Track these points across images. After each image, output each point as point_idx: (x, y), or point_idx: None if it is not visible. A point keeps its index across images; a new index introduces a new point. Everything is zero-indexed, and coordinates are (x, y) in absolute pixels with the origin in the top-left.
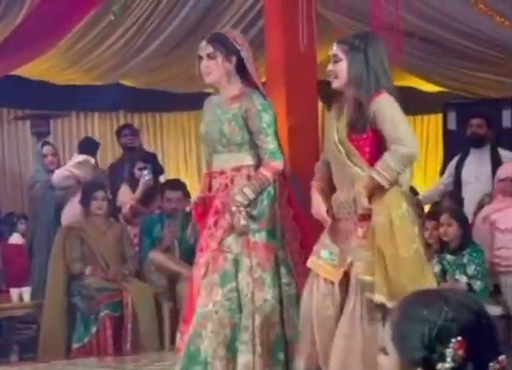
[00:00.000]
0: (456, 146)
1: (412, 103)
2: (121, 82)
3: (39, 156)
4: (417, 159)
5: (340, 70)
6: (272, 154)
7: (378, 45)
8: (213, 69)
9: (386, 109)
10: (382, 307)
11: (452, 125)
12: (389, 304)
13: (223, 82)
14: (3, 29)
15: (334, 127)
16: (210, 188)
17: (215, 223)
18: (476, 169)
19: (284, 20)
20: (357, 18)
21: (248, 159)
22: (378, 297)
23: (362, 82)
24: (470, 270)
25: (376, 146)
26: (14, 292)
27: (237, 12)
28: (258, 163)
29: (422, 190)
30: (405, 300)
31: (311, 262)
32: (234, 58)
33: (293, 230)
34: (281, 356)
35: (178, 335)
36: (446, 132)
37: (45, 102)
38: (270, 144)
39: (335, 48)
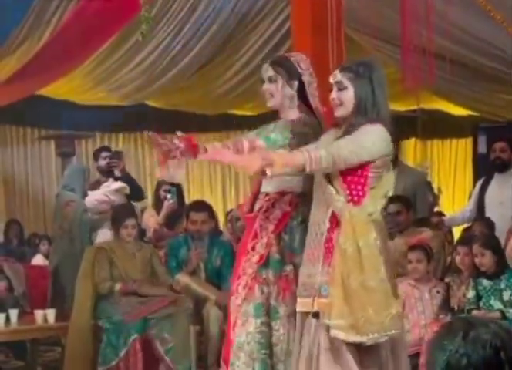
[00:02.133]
0: (486, 169)
1: (442, 127)
2: (146, 103)
3: (82, 176)
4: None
5: (346, 98)
6: None
7: (381, 72)
8: (274, 93)
9: (367, 131)
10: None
11: (482, 148)
12: (347, 338)
13: (284, 107)
14: (27, 50)
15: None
16: (252, 209)
17: (253, 248)
18: (499, 193)
19: (313, 41)
20: (386, 40)
21: (294, 185)
22: (339, 334)
23: (367, 111)
24: (507, 295)
25: (358, 175)
26: (38, 314)
27: (262, 35)
28: (303, 192)
29: (450, 213)
30: (441, 327)
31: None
32: (295, 83)
33: None
34: None
35: None
36: (476, 155)
37: (70, 123)
38: None
39: (340, 76)
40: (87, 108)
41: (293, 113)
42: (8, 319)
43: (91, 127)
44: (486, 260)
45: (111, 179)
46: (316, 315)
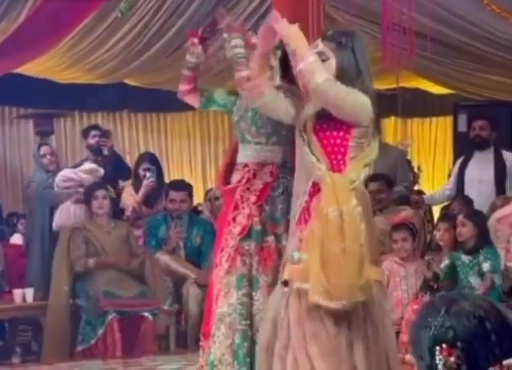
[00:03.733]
0: (466, 148)
1: (422, 106)
2: (125, 82)
3: (37, 156)
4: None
5: (328, 68)
6: None
7: (363, 43)
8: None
9: (357, 95)
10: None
11: (462, 127)
12: (325, 304)
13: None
14: (4, 28)
15: (303, 113)
16: (225, 180)
17: (234, 220)
18: (479, 171)
19: (293, 19)
20: (367, 19)
21: (274, 156)
22: (315, 299)
23: (350, 81)
24: (486, 267)
25: (339, 144)
26: (17, 293)
27: (242, 12)
28: (284, 162)
29: (430, 192)
30: (422, 306)
31: None
32: (278, 52)
33: None
34: None
35: (200, 352)
36: (457, 134)
37: (48, 101)
38: None
39: (321, 46)
40: (65, 86)
41: (273, 82)
42: None
43: (69, 106)
44: (465, 230)
45: (88, 161)
46: (286, 283)
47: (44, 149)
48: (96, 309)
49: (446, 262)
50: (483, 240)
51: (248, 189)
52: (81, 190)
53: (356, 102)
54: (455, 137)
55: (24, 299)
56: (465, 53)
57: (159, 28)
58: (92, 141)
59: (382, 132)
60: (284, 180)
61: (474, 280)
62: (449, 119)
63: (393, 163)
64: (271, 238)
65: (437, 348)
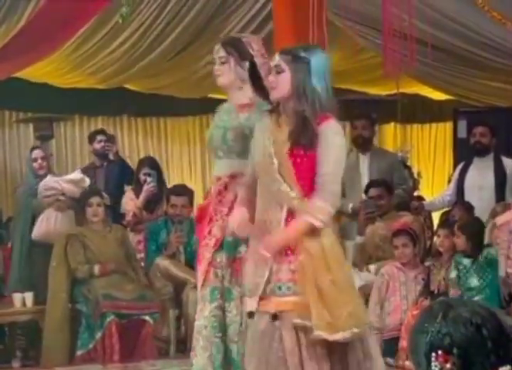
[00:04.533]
0: (466, 154)
1: (422, 111)
2: (125, 86)
3: (28, 160)
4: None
5: (281, 81)
6: None
7: (323, 60)
8: (224, 73)
9: (332, 137)
10: (324, 341)
11: (462, 133)
12: (331, 337)
13: (233, 88)
14: (5, 32)
15: (269, 139)
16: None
17: (209, 232)
18: (479, 177)
19: (294, 25)
20: (368, 25)
21: (245, 168)
22: (320, 334)
23: (304, 95)
24: (474, 282)
25: (312, 168)
26: (16, 297)
27: (244, 17)
28: None
29: (430, 198)
30: (421, 311)
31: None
32: (246, 64)
33: None
34: None
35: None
36: (457, 140)
37: (48, 105)
38: None
39: (278, 59)
40: (66, 91)
41: (242, 96)
42: None
43: (70, 110)
44: (459, 241)
45: (78, 170)
46: (274, 317)
47: (35, 153)
48: (95, 313)
49: (455, 272)
50: (479, 249)
51: (221, 201)
52: (62, 198)
53: (340, 160)
54: (455, 143)
55: (24, 303)
56: (465, 59)
57: (159, 33)
58: (97, 146)
59: (380, 138)
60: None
61: (473, 281)
62: (449, 125)
63: (389, 168)
64: (243, 249)
65: (433, 354)
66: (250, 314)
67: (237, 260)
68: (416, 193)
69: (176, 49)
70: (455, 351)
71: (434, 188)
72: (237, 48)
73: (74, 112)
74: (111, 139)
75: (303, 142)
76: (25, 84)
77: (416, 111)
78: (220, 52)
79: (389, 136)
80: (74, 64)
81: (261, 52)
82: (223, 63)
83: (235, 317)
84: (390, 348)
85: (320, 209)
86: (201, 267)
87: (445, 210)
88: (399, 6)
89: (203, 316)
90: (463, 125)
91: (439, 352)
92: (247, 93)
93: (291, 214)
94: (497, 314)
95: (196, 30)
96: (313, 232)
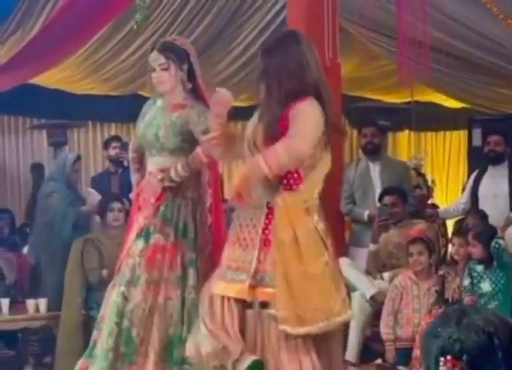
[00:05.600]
0: (480, 162)
1: (436, 119)
2: (139, 93)
3: (66, 168)
4: (304, 158)
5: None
6: None
7: (289, 45)
8: (166, 79)
9: (305, 110)
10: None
11: (477, 141)
12: (295, 331)
13: (174, 90)
14: (19, 39)
15: (253, 128)
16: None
17: (137, 219)
18: (493, 185)
19: (308, 32)
20: (382, 33)
21: (173, 163)
22: (284, 328)
23: (278, 79)
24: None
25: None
26: (30, 303)
27: (257, 25)
28: None
29: (444, 206)
30: (435, 316)
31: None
32: (185, 67)
33: (206, 237)
34: (177, 354)
35: None
36: (471, 148)
37: (62, 112)
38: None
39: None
40: (79, 97)
41: (177, 96)
42: None
43: (83, 116)
44: (476, 250)
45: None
46: (263, 305)
47: (78, 163)
48: None
49: (468, 280)
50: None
51: (149, 192)
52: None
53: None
54: (469, 151)
55: (37, 309)
56: (480, 67)
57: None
58: (112, 152)
59: (394, 146)
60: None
61: (485, 286)
62: (463, 133)
63: (399, 177)
64: (157, 236)
65: (442, 358)
66: (263, 305)
67: (150, 247)
68: (429, 201)
69: None
70: (464, 357)
71: (448, 196)
72: (175, 53)
73: (87, 118)
74: (125, 146)
75: (272, 133)
76: (38, 90)
77: (430, 119)
78: (159, 59)
79: (403, 143)
80: (88, 71)
81: (194, 53)
82: (165, 70)
83: (139, 302)
84: (404, 357)
85: (271, 154)
86: (121, 255)
87: (459, 218)
88: (414, 14)
89: (109, 301)
90: (477, 133)
91: (449, 357)
92: (181, 94)
93: (270, 206)
94: (511, 323)
95: (209, 38)
96: (288, 218)
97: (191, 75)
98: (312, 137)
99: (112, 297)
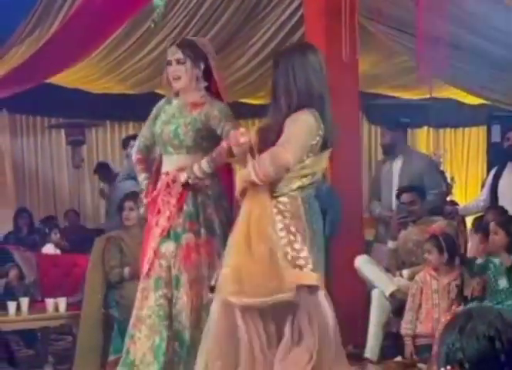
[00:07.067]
0: (500, 158)
1: (455, 116)
2: (156, 92)
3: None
4: (289, 167)
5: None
6: None
7: (294, 59)
8: (183, 75)
9: (297, 119)
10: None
11: (496, 137)
12: (237, 300)
13: (190, 87)
14: (37, 38)
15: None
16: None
17: (156, 223)
18: None
19: (327, 29)
20: (401, 29)
21: (192, 162)
22: (232, 298)
23: (280, 95)
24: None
25: None
26: (49, 302)
27: (274, 23)
28: None
29: (463, 203)
30: (446, 322)
31: None
32: (202, 65)
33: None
34: None
35: None
36: (490, 144)
37: (80, 111)
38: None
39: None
40: (97, 96)
41: (196, 95)
42: (18, 308)
43: (101, 116)
44: (498, 238)
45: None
46: (212, 289)
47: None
48: (128, 319)
49: (503, 282)
50: None
51: (170, 193)
52: None
53: (279, 156)
54: (488, 147)
55: (56, 308)
56: (498, 63)
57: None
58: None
59: (412, 142)
60: (201, 181)
61: (502, 283)
62: (482, 130)
63: (420, 172)
64: (189, 236)
65: (448, 367)
66: (211, 289)
67: (183, 247)
68: (449, 198)
69: None
70: (466, 365)
71: (467, 193)
72: (193, 50)
73: (105, 117)
74: None
75: (269, 139)
76: (56, 90)
77: (449, 115)
78: (177, 54)
79: (422, 140)
80: (105, 70)
81: (213, 54)
82: (181, 64)
83: (186, 303)
84: (423, 353)
85: (260, 162)
86: (146, 258)
87: (478, 215)
88: (433, 10)
89: (147, 306)
90: (496, 129)
91: (448, 368)
92: (199, 92)
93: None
94: None
95: (226, 37)
96: (254, 201)
97: (207, 76)
98: (301, 144)
99: (150, 301)
